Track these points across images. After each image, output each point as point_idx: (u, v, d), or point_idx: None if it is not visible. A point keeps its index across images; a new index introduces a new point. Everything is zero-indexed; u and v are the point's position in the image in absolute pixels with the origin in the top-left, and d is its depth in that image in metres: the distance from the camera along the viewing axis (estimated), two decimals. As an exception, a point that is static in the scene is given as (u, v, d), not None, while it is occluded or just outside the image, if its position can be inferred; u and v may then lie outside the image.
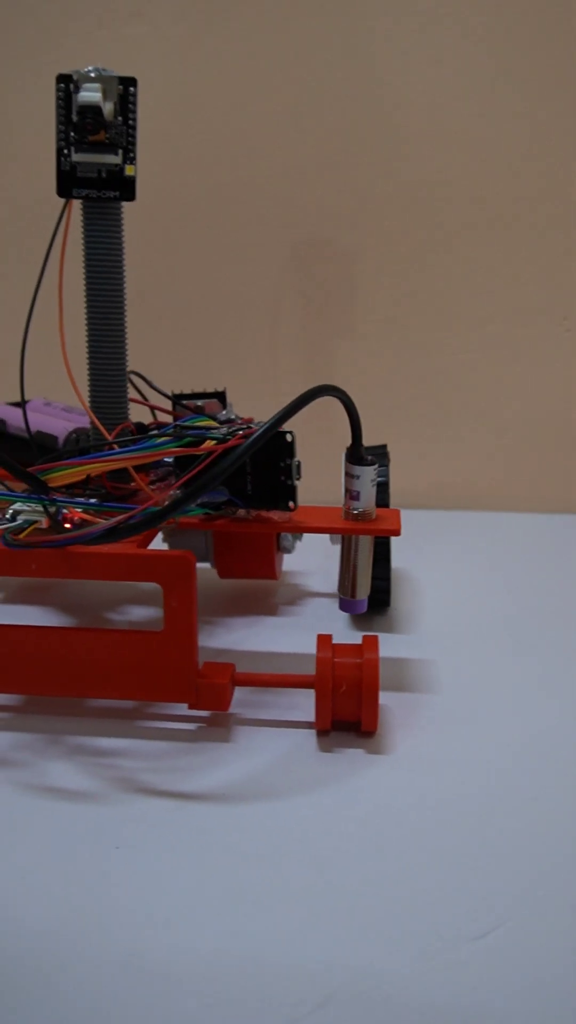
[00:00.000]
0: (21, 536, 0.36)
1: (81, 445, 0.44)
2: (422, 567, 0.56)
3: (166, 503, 0.35)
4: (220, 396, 0.50)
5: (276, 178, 0.60)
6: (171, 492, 0.38)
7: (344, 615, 0.50)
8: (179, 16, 0.57)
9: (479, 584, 0.54)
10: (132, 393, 0.47)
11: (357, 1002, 0.26)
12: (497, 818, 0.33)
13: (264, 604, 0.51)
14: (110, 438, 0.41)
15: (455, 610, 0.50)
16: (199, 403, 0.50)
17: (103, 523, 0.34)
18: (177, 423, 0.40)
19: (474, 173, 0.59)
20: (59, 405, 0.51)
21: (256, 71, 0.58)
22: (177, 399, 0.50)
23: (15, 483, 0.38)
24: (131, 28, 0.57)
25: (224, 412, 0.49)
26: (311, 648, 0.44)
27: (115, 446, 0.39)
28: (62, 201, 0.39)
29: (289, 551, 0.50)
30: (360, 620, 0.49)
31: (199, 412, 0.49)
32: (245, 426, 0.38)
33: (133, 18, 0.57)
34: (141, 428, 0.46)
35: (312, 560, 0.56)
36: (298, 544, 0.52)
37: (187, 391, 0.50)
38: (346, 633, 0.48)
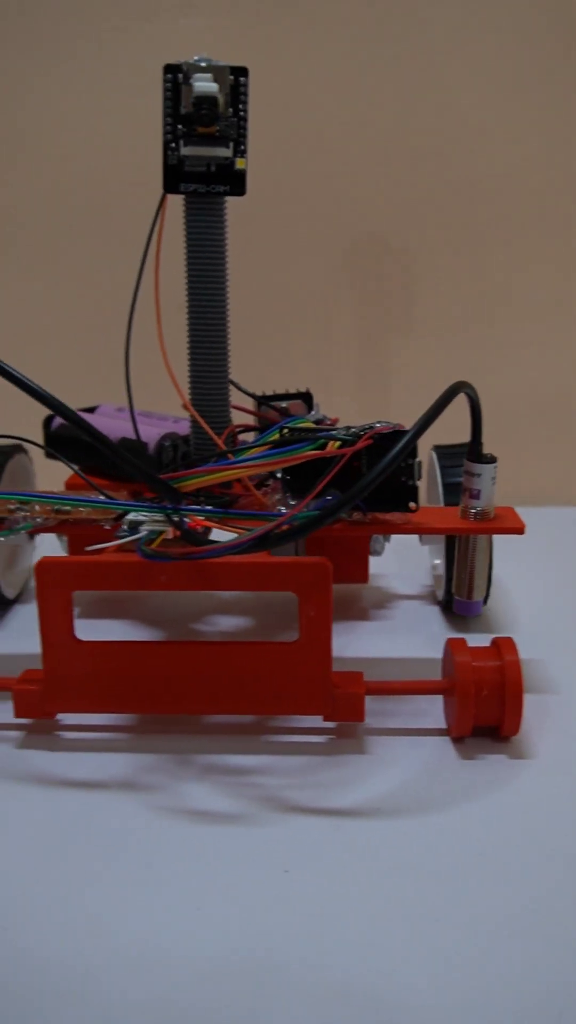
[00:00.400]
0: (153, 547, 0.34)
1: (182, 452, 0.42)
2: (504, 566, 0.55)
3: (314, 508, 0.34)
4: (305, 397, 0.49)
5: (333, 176, 0.59)
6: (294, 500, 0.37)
7: (437, 617, 0.49)
8: (230, 7, 0.55)
9: (569, 581, 0.53)
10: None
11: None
12: None
13: (354, 609, 0.50)
14: (221, 443, 0.39)
15: (549, 608, 0.50)
16: (284, 404, 0.49)
17: (252, 532, 0.32)
18: (289, 424, 0.38)
19: (534, 169, 0.59)
20: (138, 413, 0.49)
21: (313, 65, 0.57)
22: (263, 400, 0.48)
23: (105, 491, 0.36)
24: (185, 20, 0.55)
25: (312, 413, 0.48)
26: (416, 652, 0.43)
27: (229, 454, 0.38)
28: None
29: (379, 554, 0.48)
30: (456, 621, 0.48)
31: (286, 413, 0.48)
32: (367, 427, 0.37)
33: (185, 8, 0.55)
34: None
35: (390, 562, 0.54)
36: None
37: (268, 392, 0.49)
38: (446, 635, 0.46)
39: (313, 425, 0.41)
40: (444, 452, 0.48)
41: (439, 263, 0.61)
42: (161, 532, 0.35)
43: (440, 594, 0.49)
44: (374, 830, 0.32)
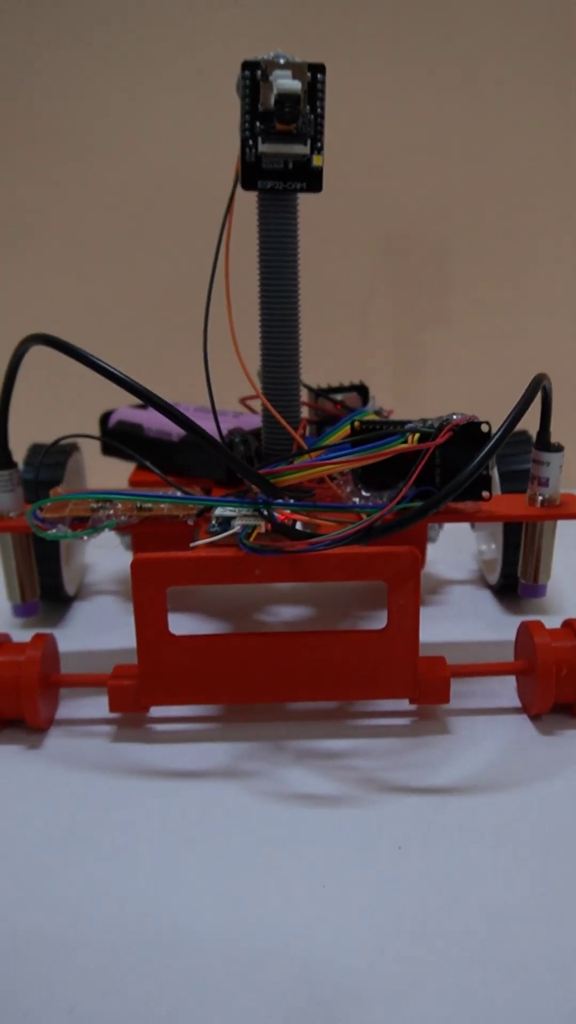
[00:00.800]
0: (251, 540, 0.35)
1: (255, 448, 0.43)
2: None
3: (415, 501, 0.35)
4: (360, 389, 0.50)
5: (364, 170, 0.59)
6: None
7: (491, 600, 0.50)
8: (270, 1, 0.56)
9: None
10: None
11: None
12: None
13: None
14: (300, 440, 0.40)
15: None
16: (340, 397, 0.50)
17: (356, 524, 0.33)
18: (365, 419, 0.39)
19: (563, 163, 0.60)
20: (188, 406, 0.50)
21: (353, 64, 0.57)
22: (321, 393, 0.49)
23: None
24: (224, 11, 0.56)
25: (369, 404, 0.49)
26: (479, 635, 0.45)
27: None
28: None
29: (434, 541, 0.50)
30: (510, 605, 0.49)
31: (343, 405, 0.49)
32: (445, 420, 0.38)
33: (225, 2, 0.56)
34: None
35: (435, 548, 0.55)
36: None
37: (323, 385, 0.49)
38: (503, 619, 0.48)
39: (377, 417, 0.42)
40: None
41: (471, 257, 0.62)
42: (255, 526, 0.35)
43: (492, 579, 0.51)
44: (476, 805, 0.34)
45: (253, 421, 0.47)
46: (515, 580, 0.47)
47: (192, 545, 0.35)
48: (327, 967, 0.27)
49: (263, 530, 0.36)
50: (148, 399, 0.34)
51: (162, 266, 0.62)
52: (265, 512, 0.36)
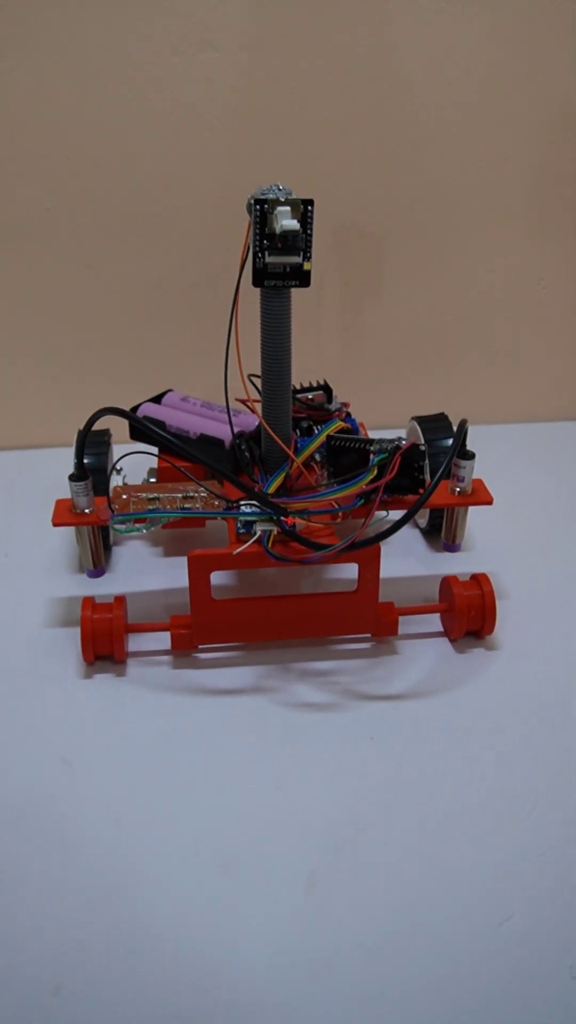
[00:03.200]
0: (271, 546, 0.52)
1: (258, 455, 0.59)
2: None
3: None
4: (326, 388, 0.66)
5: (323, 176, 0.72)
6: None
7: (420, 540, 0.68)
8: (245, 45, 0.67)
9: (511, 497, 0.72)
10: (253, 393, 0.61)
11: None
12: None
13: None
14: (298, 462, 0.56)
15: (499, 525, 0.69)
16: (310, 396, 0.66)
17: (346, 540, 0.51)
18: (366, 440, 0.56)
19: (478, 169, 0.73)
20: (196, 401, 0.65)
21: (308, 89, 0.69)
22: (296, 392, 0.65)
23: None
24: (204, 54, 0.66)
25: (333, 403, 0.65)
26: (413, 571, 0.63)
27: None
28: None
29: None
30: (435, 544, 0.68)
31: (315, 404, 0.65)
32: (396, 445, 0.54)
33: (206, 47, 0.66)
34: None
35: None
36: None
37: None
38: (429, 556, 0.66)
39: (346, 427, 0.59)
40: (424, 422, 0.67)
41: (406, 245, 0.76)
42: (271, 531, 0.52)
43: (422, 523, 0.69)
44: (417, 706, 0.53)
45: (251, 421, 0.62)
46: (439, 524, 0.65)
47: (235, 552, 0.52)
48: (325, 821, 0.47)
49: (275, 532, 0.53)
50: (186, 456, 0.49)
51: (161, 263, 0.74)
52: (276, 519, 0.53)
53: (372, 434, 0.61)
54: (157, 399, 0.67)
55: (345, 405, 0.65)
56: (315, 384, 0.65)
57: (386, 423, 0.81)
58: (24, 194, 0.70)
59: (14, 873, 0.44)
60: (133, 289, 0.75)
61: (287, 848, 0.45)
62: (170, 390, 0.67)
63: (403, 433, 0.69)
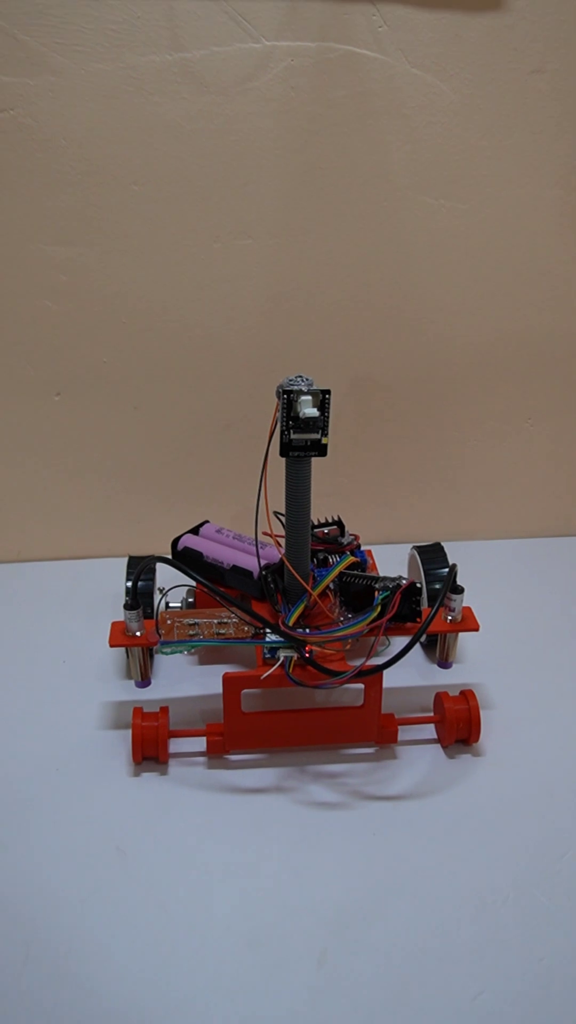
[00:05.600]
0: (292, 671, 0.62)
1: (281, 587, 0.70)
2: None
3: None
4: (339, 524, 0.77)
5: (341, 337, 0.84)
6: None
7: (420, 652, 0.79)
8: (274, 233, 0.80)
9: (500, 610, 0.83)
10: (276, 526, 0.72)
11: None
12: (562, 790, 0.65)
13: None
14: (310, 589, 0.67)
15: (488, 638, 0.80)
16: (326, 531, 0.77)
17: (354, 668, 0.61)
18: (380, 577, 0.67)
19: (473, 331, 0.86)
20: (229, 533, 0.77)
21: (327, 267, 0.81)
22: (314, 528, 0.76)
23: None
24: (240, 241, 0.79)
25: (346, 537, 0.76)
26: (413, 681, 0.73)
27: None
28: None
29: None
30: (432, 655, 0.78)
31: (330, 538, 0.76)
32: (396, 584, 0.65)
33: (242, 235, 0.79)
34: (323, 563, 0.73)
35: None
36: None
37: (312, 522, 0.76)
38: (427, 667, 0.77)
39: (356, 561, 0.70)
40: (422, 551, 0.78)
41: (411, 394, 0.88)
42: (292, 658, 0.63)
43: (422, 639, 0.79)
44: (414, 805, 0.63)
45: (274, 554, 0.73)
46: (435, 638, 0.76)
47: (263, 676, 0.62)
48: (334, 907, 0.57)
49: (296, 658, 0.64)
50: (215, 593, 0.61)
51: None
52: (305, 656, 0.63)
53: (377, 550, 0.73)
54: (195, 530, 0.78)
55: (356, 538, 0.76)
56: (330, 520, 0.77)
57: (391, 539, 0.93)
58: (87, 350, 0.83)
59: (85, 945, 0.54)
60: (174, 426, 0.87)
61: (302, 929, 0.55)
62: (207, 521, 0.79)
63: (405, 552, 0.81)
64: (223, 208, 0.79)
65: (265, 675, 0.62)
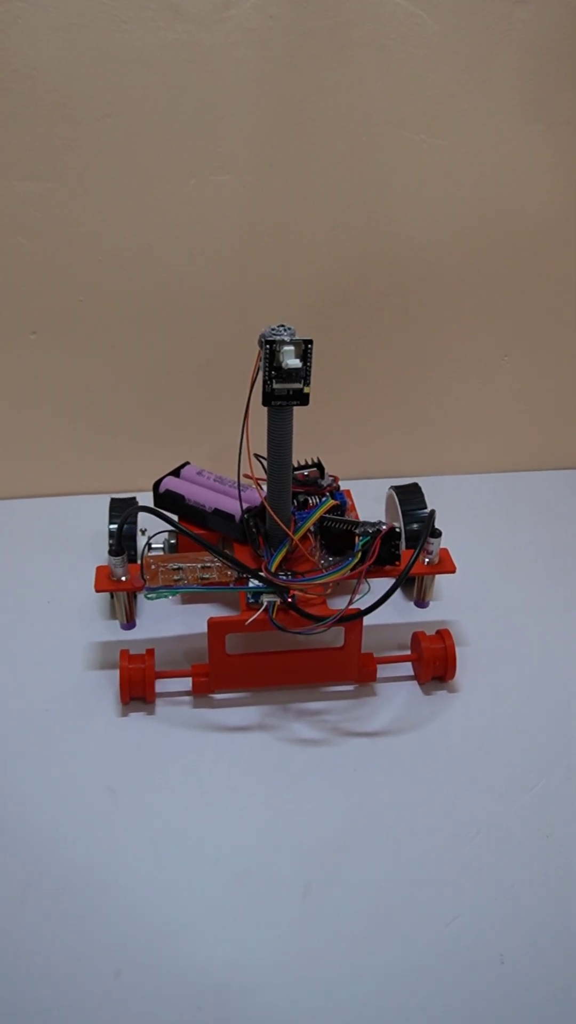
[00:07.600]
0: (275, 617, 0.64)
1: (263, 530, 0.71)
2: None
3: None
4: (319, 466, 0.78)
5: (318, 276, 0.84)
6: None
7: (395, 600, 0.81)
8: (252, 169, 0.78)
9: (475, 547, 0.85)
10: (257, 469, 0.73)
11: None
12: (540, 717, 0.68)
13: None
14: (292, 536, 0.68)
15: (465, 576, 0.81)
16: (306, 473, 0.78)
17: (337, 614, 0.63)
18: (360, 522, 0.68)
19: (451, 267, 0.85)
20: (210, 475, 0.77)
21: (304, 204, 0.80)
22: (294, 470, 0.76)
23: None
24: (216, 176, 0.78)
25: (326, 480, 0.77)
26: (390, 619, 0.75)
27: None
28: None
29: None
30: (408, 593, 0.80)
31: (310, 480, 0.77)
32: (376, 528, 0.67)
33: (218, 170, 0.77)
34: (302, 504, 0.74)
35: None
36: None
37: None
38: (404, 604, 0.79)
39: (336, 504, 0.71)
40: (400, 491, 0.79)
41: (389, 331, 0.88)
42: (275, 602, 0.65)
43: (398, 575, 0.82)
44: (392, 741, 0.66)
45: (255, 496, 0.74)
46: (413, 579, 0.78)
47: (247, 622, 0.64)
48: (317, 841, 0.60)
49: (279, 603, 0.65)
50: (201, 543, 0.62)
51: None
52: (288, 600, 0.65)
53: (354, 486, 0.74)
54: (176, 472, 0.78)
55: (335, 479, 0.77)
56: (310, 462, 0.78)
57: (367, 474, 0.94)
58: (63, 289, 0.82)
59: (82, 881, 0.57)
60: (152, 364, 0.87)
61: (288, 862, 0.58)
62: (187, 463, 0.79)
63: (382, 489, 0.82)
64: (199, 142, 0.77)
65: (249, 621, 0.64)
